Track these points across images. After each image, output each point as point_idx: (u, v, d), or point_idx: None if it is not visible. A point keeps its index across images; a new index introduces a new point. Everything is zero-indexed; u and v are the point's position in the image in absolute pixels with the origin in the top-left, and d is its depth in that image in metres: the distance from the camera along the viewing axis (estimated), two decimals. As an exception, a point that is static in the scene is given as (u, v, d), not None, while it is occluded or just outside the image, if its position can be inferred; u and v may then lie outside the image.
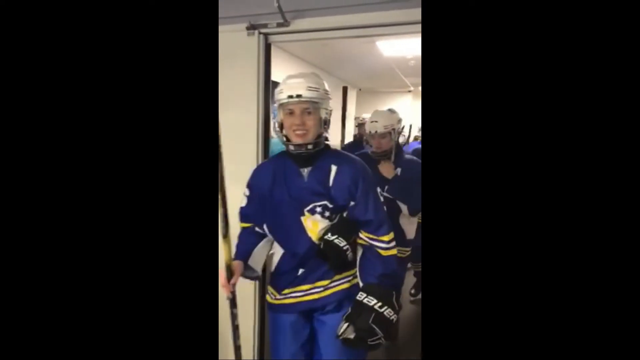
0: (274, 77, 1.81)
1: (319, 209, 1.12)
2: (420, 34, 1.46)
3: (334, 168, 1.11)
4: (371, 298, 1.07)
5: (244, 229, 1.29)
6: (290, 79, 1.10)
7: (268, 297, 1.30)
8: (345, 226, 1.12)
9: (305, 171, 1.14)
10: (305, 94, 1.05)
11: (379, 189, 1.22)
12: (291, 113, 1.08)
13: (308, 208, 1.13)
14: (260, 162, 1.69)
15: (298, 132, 1.09)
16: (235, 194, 1.43)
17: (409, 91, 6.13)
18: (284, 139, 1.13)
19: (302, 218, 1.13)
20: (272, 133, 1.41)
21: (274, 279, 1.27)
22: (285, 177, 1.15)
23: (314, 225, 1.12)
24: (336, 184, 1.11)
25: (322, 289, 1.17)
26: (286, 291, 1.21)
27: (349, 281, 1.19)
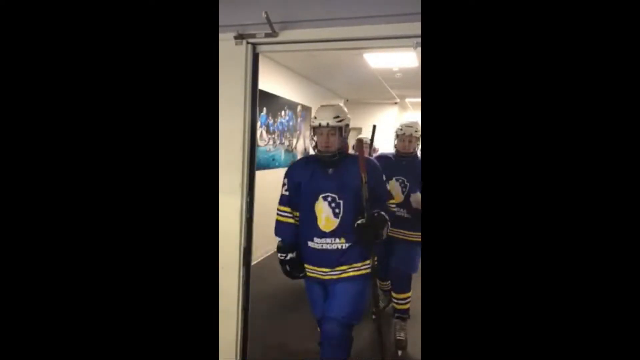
0: (261, 86, 1.81)
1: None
2: (406, 48, 1.52)
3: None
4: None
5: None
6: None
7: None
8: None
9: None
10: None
11: None
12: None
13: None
14: (246, 170, 1.69)
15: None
16: (222, 201, 1.42)
17: (395, 103, 6.21)
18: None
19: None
20: (259, 141, 1.43)
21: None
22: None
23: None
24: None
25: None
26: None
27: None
